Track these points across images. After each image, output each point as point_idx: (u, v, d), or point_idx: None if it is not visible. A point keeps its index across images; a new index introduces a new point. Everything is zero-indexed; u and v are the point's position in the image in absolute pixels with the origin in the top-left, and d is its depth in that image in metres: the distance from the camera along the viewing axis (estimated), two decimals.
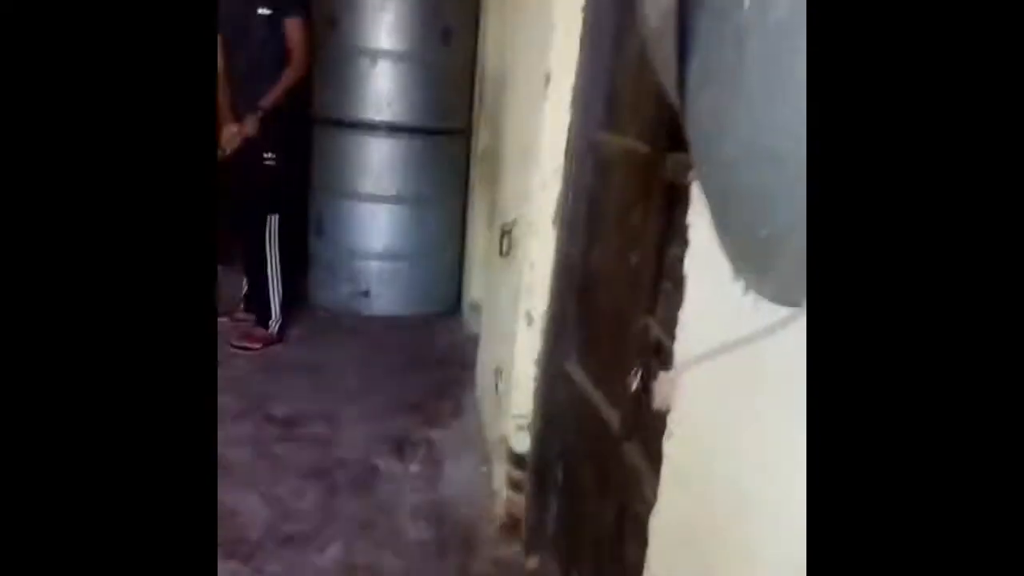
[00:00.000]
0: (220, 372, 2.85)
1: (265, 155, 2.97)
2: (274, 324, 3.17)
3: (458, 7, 3.40)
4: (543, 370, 1.90)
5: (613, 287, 1.58)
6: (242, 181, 3.03)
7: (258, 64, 2.93)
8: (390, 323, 3.56)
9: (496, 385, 2.25)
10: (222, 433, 2.42)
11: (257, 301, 3.19)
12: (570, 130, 1.76)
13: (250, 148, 2.95)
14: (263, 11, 2.89)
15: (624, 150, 1.54)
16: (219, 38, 2.90)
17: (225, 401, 2.66)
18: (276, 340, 3.17)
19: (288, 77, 2.94)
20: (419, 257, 3.58)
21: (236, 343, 3.06)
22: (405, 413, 2.69)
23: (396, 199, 3.47)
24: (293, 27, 2.91)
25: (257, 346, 3.08)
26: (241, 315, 3.31)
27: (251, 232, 3.13)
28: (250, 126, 2.90)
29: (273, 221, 3.07)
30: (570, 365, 1.81)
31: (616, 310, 1.55)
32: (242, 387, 2.78)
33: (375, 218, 3.47)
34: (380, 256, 3.51)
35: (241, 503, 2.06)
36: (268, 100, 2.90)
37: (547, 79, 1.76)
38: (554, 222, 1.82)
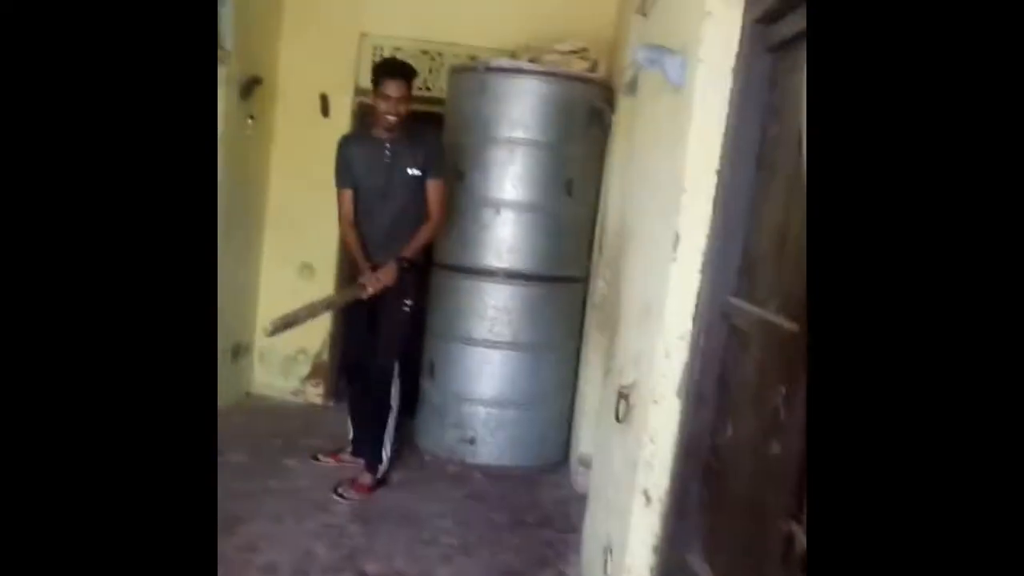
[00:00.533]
0: (316, 517, 2.78)
1: (405, 302, 3.01)
2: (383, 470, 3.10)
3: (582, 160, 3.45)
4: (662, 559, 1.68)
5: (748, 476, 1.38)
6: (370, 328, 3.07)
7: (401, 218, 3.02)
8: (495, 473, 3.40)
9: (605, 565, 2.02)
10: None
11: (370, 445, 3.12)
12: (699, 295, 1.63)
13: (390, 295, 2.98)
14: (413, 171, 2.99)
15: (763, 322, 1.39)
16: (352, 191, 3.05)
17: (317, 550, 2.56)
18: (379, 484, 3.09)
19: (428, 231, 3.03)
20: (529, 405, 3.46)
21: (341, 491, 2.97)
22: None
23: (509, 345, 3.42)
24: (435, 188, 3.01)
25: (359, 496, 2.99)
26: (348, 458, 3.26)
27: (377, 375, 3.07)
28: (392, 275, 2.94)
29: (397, 366, 3.06)
30: (693, 558, 1.59)
31: (751, 504, 1.34)
32: (336, 536, 2.67)
33: (487, 363, 3.41)
34: (489, 403, 3.42)
35: None
36: (409, 251, 2.97)
37: (676, 240, 1.66)
38: (678, 393, 1.66)
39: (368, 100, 4.00)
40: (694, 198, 1.64)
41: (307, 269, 4.10)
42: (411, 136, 3.01)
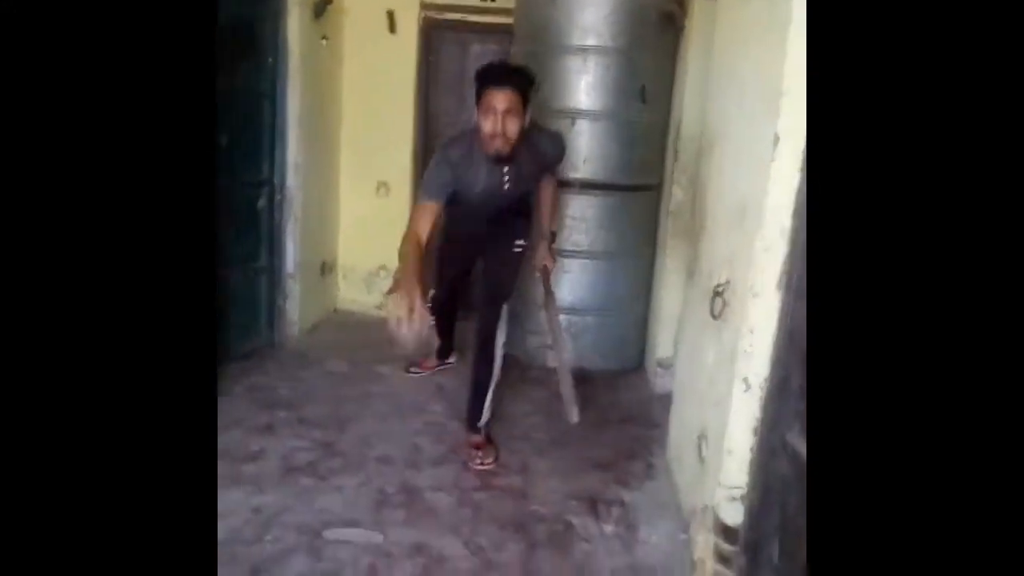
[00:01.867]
0: (417, 417, 3.01)
1: (516, 242, 2.74)
2: (483, 426, 2.74)
3: (655, 66, 3.43)
4: (761, 440, 1.81)
5: None
6: (493, 268, 2.77)
7: (509, 208, 2.68)
8: (576, 376, 3.55)
9: (700, 451, 2.18)
10: (425, 475, 2.53)
11: (471, 396, 2.76)
12: (799, 192, 1.70)
13: (502, 235, 2.72)
14: (532, 183, 2.69)
15: None
16: (439, 204, 2.40)
17: (422, 444, 2.78)
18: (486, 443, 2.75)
19: (555, 195, 2.85)
20: (606, 312, 3.59)
21: (472, 462, 2.65)
22: (596, 471, 2.67)
23: (586, 254, 3.52)
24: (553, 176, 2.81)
25: (483, 462, 2.66)
26: (436, 363, 3.46)
27: (483, 325, 2.72)
28: (553, 257, 2.87)
29: (506, 308, 2.72)
30: (792, 437, 1.72)
31: None
32: (438, 433, 2.89)
33: (565, 272, 3.53)
34: (568, 309, 3.56)
35: (448, 548, 2.13)
36: (554, 223, 2.87)
37: (776, 140, 1.71)
38: (778, 286, 1.75)
39: (433, 15, 4.05)
40: (793, 100, 1.69)
41: (383, 187, 4.24)
42: (534, 146, 2.50)
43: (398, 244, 2.27)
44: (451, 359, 3.53)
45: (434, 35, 4.15)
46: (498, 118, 2.29)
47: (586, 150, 3.44)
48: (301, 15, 3.56)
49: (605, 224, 3.51)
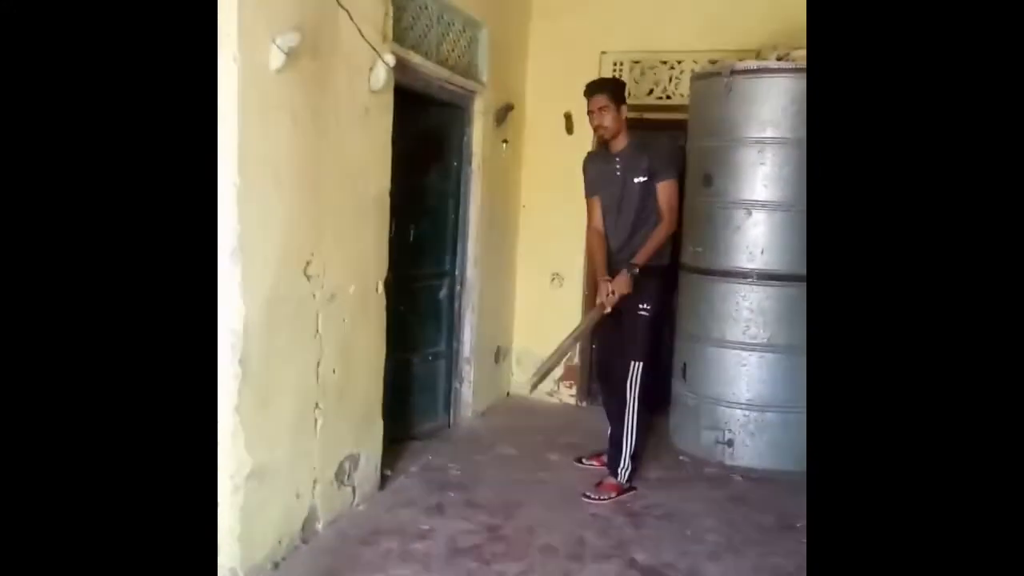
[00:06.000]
0: (584, 508, 2.96)
1: (640, 306, 3.09)
2: (623, 472, 3.13)
3: None
4: None
5: None
6: (615, 329, 3.20)
7: (636, 228, 3.13)
8: (756, 476, 3.35)
9: None
10: (588, 570, 2.47)
11: (610, 447, 3.20)
12: None
13: (629, 299, 3.06)
14: (640, 179, 3.09)
15: None
16: (599, 202, 3.24)
17: (587, 537, 2.72)
18: (628, 489, 3.12)
19: (659, 235, 3.07)
20: (788, 409, 3.37)
21: (589, 494, 3.07)
22: None
23: (765, 347, 3.37)
24: (664, 189, 3.09)
25: (607, 498, 3.05)
26: (587, 462, 3.41)
27: (616, 377, 3.20)
28: (625, 285, 3.02)
29: (637, 368, 3.11)
30: None
31: None
32: (603, 525, 2.82)
33: (742, 365, 3.39)
34: (746, 405, 3.39)
35: None
36: (641, 258, 3.05)
37: None
38: None
39: None
40: None
41: (557, 278, 4.37)
42: (641, 146, 3.17)
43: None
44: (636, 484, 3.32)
45: None
46: (593, 114, 3.13)
47: (764, 241, 3.35)
48: (485, 123, 3.86)
49: (785, 316, 3.35)
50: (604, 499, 3.04)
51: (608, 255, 3.22)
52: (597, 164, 3.30)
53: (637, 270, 3.03)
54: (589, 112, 3.16)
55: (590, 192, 3.30)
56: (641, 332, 3.12)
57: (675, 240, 3.47)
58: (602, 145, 3.30)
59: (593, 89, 3.17)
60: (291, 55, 2.15)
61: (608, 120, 3.10)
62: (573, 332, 3.24)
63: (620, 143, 3.16)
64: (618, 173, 3.16)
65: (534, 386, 3.40)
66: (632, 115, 4.16)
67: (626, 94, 3.23)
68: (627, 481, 3.14)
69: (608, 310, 3.07)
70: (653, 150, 3.16)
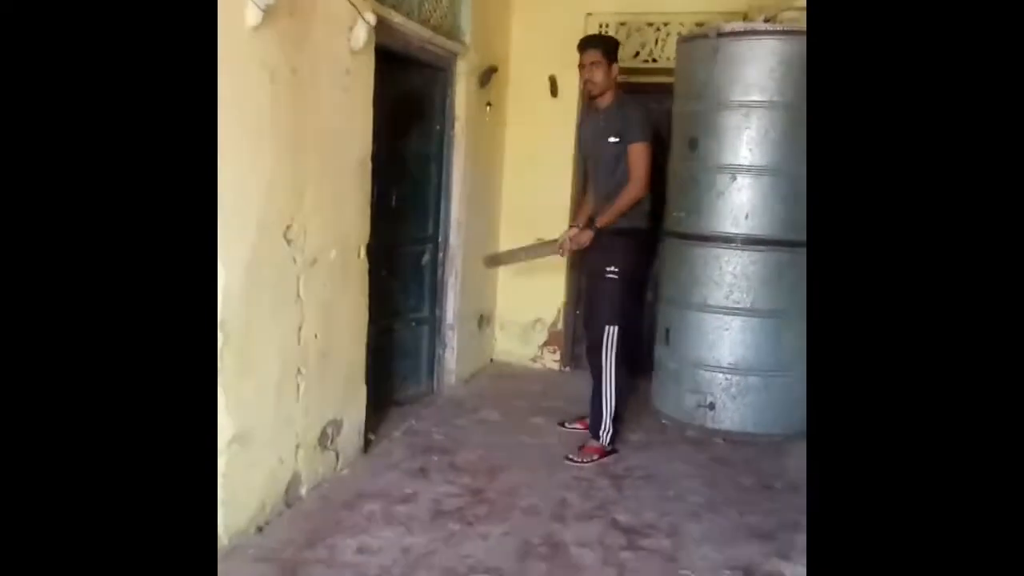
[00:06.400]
0: (567, 471, 2.99)
1: (608, 268, 3.11)
2: (604, 435, 3.16)
3: None
4: None
5: None
6: (589, 292, 3.32)
7: (613, 187, 3.12)
8: (736, 439, 3.40)
9: None
10: (571, 530, 2.50)
11: (590, 409, 3.23)
12: None
13: (597, 261, 3.15)
14: (612, 139, 3.09)
15: None
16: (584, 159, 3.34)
17: (571, 499, 2.75)
18: (610, 452, 3.16)
19: (625, 197, 3.05)
20: (771, 373, 3.40)
21: (572, 456, 3.10)
22: (754, 541, 2.50)
23: (748, 312, 3.38)
24: (631, 152, 3.06)
25: (590, 460, 3.08)
26: (570, 426, 3.44)
27: (589, 342, 3.27)
28: (583, 237, 3.12)
29: (612, 332, 3.12)
30: None
31: None
32: (585, 487, 2.85)
33: (725, 330, 3.41)
34: (728, 369, 3.42)
35: None
36: (602, 219, 3.08)
37: None
38: None
39: None
40: None
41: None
42: (620, 106, 3.14)
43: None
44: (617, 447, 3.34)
45: None
46: (586, 68, 3.10)
47: (748, 205, 3.34)
48: (467, 84, 3.80)
49: (769, 281, 3.36)
50: (586, 461, 3.07)
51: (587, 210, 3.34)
52: (584, 121, 3.38)
53: (595, 230, 3.09)
54: (580, 66, 3.13)
55: (578, 149, 3.44)
56: (611, 295, 3.14)
57: (658, 204, 3.47)
58: (590, 101, 3.28)
59: (587, 44, 3.17)
60: (268, 12, 2.09)
61: (598, 76, 3.08)
62: (529, 246, 3.59)
63: (605, 100, 3.14)
64: (599, 132, 3.17)
65: (488, 265, 3.88)
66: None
67: (619, 54, 3.21)
68: (609, 444, 3.18)
69: (561, 253, 3.29)
70: (626, 110, 3.13)
